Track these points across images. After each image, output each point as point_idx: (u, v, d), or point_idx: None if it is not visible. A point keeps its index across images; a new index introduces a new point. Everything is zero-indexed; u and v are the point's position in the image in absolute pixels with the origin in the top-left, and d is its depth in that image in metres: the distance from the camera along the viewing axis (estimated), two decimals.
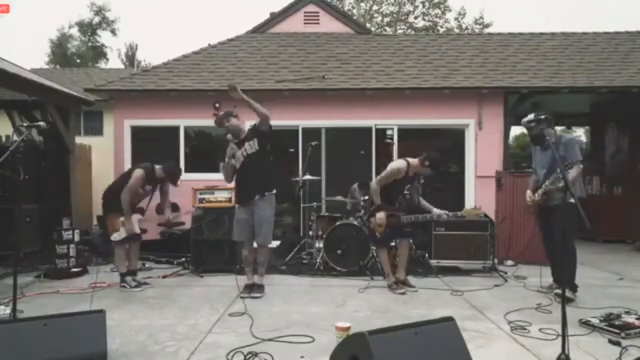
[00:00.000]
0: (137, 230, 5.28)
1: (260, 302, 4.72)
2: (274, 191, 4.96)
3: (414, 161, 5.11)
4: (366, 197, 6.32)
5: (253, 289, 4.91)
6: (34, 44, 45.97)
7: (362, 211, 6.45)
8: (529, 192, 4.91)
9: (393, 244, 5.62)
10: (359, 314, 4.29)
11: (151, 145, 8.10)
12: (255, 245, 5.03)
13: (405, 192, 5.17)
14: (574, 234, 4.64)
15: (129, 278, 5.21)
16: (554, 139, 4.57)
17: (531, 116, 4.70)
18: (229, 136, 5.00)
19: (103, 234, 7.55)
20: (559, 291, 4.63)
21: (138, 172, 5.19)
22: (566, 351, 2.88)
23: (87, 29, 30.02)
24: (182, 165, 7.96)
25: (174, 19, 52.44)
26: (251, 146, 4.87)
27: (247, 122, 8.02)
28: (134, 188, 5.13)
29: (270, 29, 10.02)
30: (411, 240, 6.48)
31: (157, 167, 5.35)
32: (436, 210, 5.15)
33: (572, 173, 4.38)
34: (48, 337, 2.83)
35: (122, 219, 5.12)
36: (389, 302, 4.72)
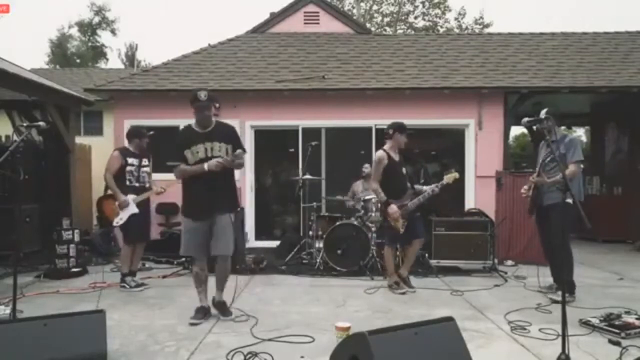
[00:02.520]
0: (135, 210, 5.16)
1: (260, 302, 4.71)
2: (238, 209, 4.48)
3: (387, 144, 5.25)
4: (367, 198, 6.33)
5: (224, 312, 4.11)
6: (34, 44, 45.97)
7: (362, 211, 6.45)
8: (525, 186, 4.94)
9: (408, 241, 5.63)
10: (359, 314, 4.29)
11: (151, 145, 8.09)
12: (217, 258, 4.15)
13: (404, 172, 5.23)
14: (569, 233, 4.64)
15: (129, 278, 5.21)
16: (554, 137, 4.56)
17: (542, 112, 4.70)
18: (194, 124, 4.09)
19: (103, 233, 7.58)
20: (553, 297, 4.64)
21: (113, 153, 5.31)
22: (566, 351, 2.88)
23: (87, 29, 30.00)
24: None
25: (174, 19, 52.45)
26: (220, 149, 4.00)
27: (248, 122, 8.10)
28: (111, 167, 5.17)
29: (270, 29, 10.02)
30: None
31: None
32: (427, 188, 5.21)
33: (567, 170, 4.38)
34: (48, 337, 2.83)
35: (117, 202, 5.15)
36: (389, 302, 4.73)
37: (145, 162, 5.37)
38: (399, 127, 5.18)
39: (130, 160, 5.23)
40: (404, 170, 5.24)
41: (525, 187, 4.88)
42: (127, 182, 5.21)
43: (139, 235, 5.33)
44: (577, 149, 4.63)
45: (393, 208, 5.03)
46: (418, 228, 5.21)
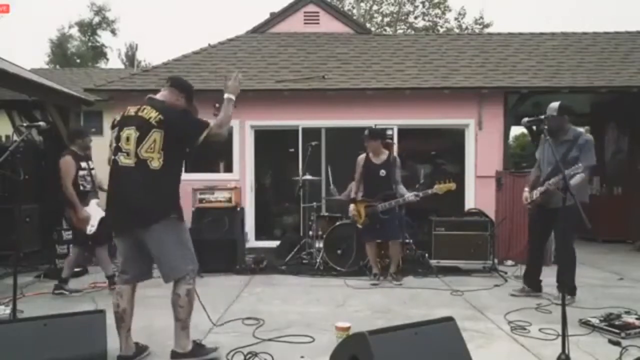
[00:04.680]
0: (102, 213, 4.64)
1: (260, 302, 4.71)
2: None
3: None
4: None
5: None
6: (34, 44, 46.03)
7: None
8: (526, 192, 4.78)
9: (379, 240, 5.77)
10: (359, 314, 4.30)
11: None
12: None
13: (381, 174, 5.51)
14: (574, 236, 4.59)
15: (116, 278, 4.90)
16: (568, 137, 4.44)
17: (554, 104, 4.45)
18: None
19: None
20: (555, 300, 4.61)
21: (64, 159, 4.86)
22: (566, 351, 2.88)
23: (87, 29, 30.04)
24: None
25: (174, 19, 52.52)
26: None
27: (248, 122, 8.09)
28: (70, 174, 4.79)
29: (270, 29, 10.01)
30: (411, 240, 6.55)
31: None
32: (408, 194, 5.45)
33: (579, 178, 4.17)
34: (48, 337, 2.83)
35: (82, 211, 4.80)
36: (389, 302, 4.73)
37: (92, 164, 5.06)
38: (370, 131, 5.71)
39: (83, 164, 4.92)
40: (382, 172, 5.50)
41: (536, 192, 4.59)
42: (81, 187, 4.87)
43: (108, 236, 4.98)
44: (592, 152, 4.43)
45: (350, 206, 5.65)
46: (384, 229, 5.47)
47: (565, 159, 4.25)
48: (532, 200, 4.67)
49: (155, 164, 2.93)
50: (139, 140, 2.93)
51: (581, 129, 5.25)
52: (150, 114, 2.97)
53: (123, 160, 2.98)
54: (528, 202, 4.72)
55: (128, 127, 3.00)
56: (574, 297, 4.54)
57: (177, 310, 3.04)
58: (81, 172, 4.89)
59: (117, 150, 3.03)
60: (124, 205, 3.01)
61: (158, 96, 3.19)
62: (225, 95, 3.23)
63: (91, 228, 4.90)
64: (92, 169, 5.08)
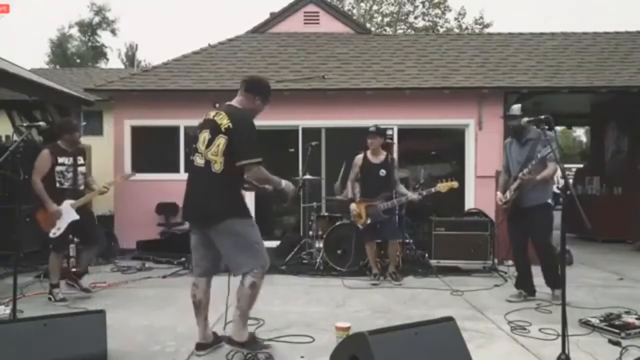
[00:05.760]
0: (76, 216, 4.58)
1: (260, 302, 4.69)
2: None
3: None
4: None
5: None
6: (34, 44, 46.05)
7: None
8: (499, 194, 4.77)
9: (379, 240, 5.77)
10: (359, 314, 4.29)
11: (151, 146, 8.10)
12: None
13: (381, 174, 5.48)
14: (551, 233, 4.64)
15: (57, 290, 4.70)
16: (531, 136, 4.51)
17: (517, 106, 4.64)
18: None
19: (103, 233, 7.55)
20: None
21: (42, 153, 4.56)
22: (566, 351, 2.88)
23: (87, 29, 30.07)
24: (182, 165, 7.96)
25: (174, 19, 52.56)
26: None
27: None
28: (41, 169, 4.46)
29: (270, 29, 10.02)
30: (411, 240, 6.56)
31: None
32: (410, 194, 5.46)
33: (548, 170, 4.36)
34: (48, 337, 2.83)
35: (52, 206, 4.48)
36: (389, 302, 4.72)
37: (80, 160, 4.70)
38: (375, 130, 5.56)
39: (61, 159, 4.56)
40: (381, 172, 5.48)
41: (508, 193, 4.60)
42: (57, 184, 4.54)
43: (67, 244, 4.91)
44: (558, 144, 4.53)
45: (352, 206, 5.56)
46: (384, 229, 5.48)
47: (534, 156, 4.37)
48: (507, 200, 4.66)
49: (217, 167, 3.10)
50: (209, 143, 3.13)
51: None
52: (223, 120, 3.13)
53: (198, 160, 3.20)
54: (504, 202, 4.72)
55: (205, 130, 3.20)
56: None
57: (239, 299, 3.19)
58: (59, 168, 4.54)
59: (194, 150, 3.25)
60: (194, 203, 3.23)
61: (234, 102, 3.35)
62: (283, 183, 3.64)
63: (56, 231, 4.55)
64: (81, 165, 4.73)
